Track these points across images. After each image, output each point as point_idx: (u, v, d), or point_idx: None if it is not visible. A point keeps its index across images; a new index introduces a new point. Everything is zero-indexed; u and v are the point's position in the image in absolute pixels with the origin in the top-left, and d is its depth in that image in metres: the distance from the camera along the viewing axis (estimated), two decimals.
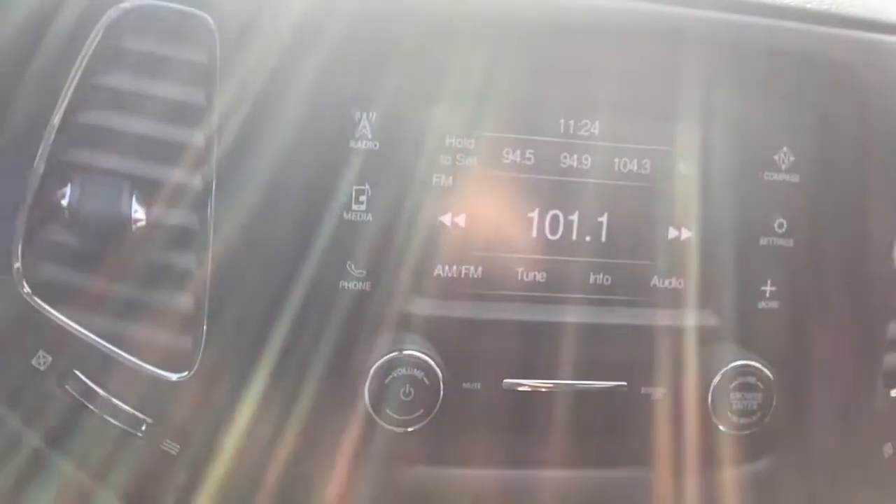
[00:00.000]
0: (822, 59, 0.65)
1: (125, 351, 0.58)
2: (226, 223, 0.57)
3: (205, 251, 0.57)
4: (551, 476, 0.65)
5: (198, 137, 0.58)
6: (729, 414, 0.63)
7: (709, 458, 0.67)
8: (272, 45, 0.57)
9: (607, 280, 0.65)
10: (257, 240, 0.58)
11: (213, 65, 0.57)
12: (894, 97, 0.66)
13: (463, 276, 0.63)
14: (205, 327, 0.58)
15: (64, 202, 0.57)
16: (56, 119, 0.57)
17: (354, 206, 0.60)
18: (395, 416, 0.58)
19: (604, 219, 0.64)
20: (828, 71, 0.65)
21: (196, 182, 0.58)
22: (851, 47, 0.66)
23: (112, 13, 0.57)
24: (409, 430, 0.59)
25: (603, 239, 0.65)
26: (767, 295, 0.67)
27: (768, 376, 0.63)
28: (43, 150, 0.57)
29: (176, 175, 0.58)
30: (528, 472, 0.65)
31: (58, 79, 0.57)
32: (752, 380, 0.63)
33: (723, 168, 0.65)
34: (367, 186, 0.60)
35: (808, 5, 0.66)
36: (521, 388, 0.63)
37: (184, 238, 0.58)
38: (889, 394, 0.69)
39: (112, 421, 0.58)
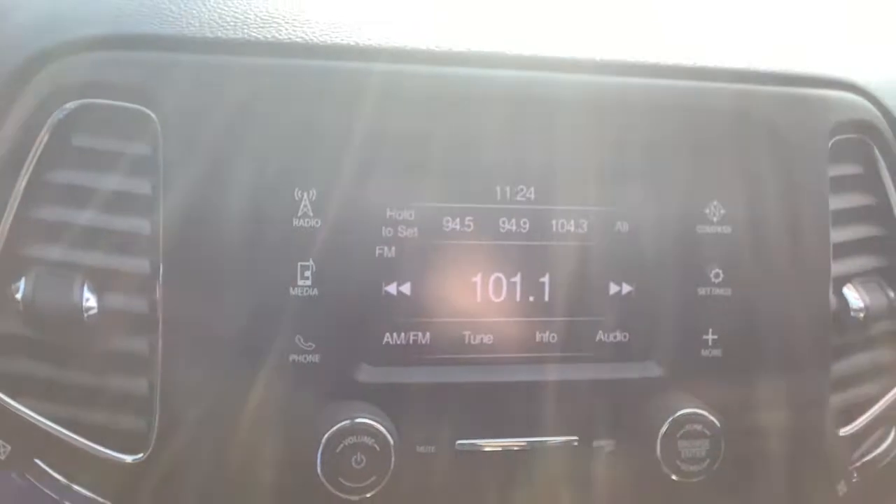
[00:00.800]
0: (746, 115, 0.69)
1: (82, 436, 0.60)
2: (175, 307, 0.59)
3: (155, 335, 0.59)
4: None
5: (144, 226, 0.60)
6: (678, 462, 0.65)
7: None
8: (212, 135, 0.60)
9: (553, 338, 0.67)
10: (207, 321, 0.60)
11: (156, 156, 0.60)
12: (815, 145, 0.69)
13: (411, 342, 0.65)
14: (158, 409, 0.59)
15: (18, 296, 0.59)
16: (9, 216, 0.60)
17: (300, 282, 0.62)
18: (349, 483, 0.60)
19: (546, 279, 0.67)
20: (752, 126, 0.68)
21: (144, 269, 0.60)
22: (773, 102, 0.69)
23: (58, 114, 0.60)
24: (366, 496, 0.60)
25: (546, 298, 0.67)
26: (710, 343, 0.69)
27: (714, 423, 0.65)
28: None
29: (125, 263, 0.60)
30: None
31: (9, 177, 0.60)
32: (698, 427, 0.65)
33: (657, 223, 0.68)
34: (311, 262, 0.62)
35: (727, 65, 0.69)
36: (474, 449, 0.65)
37: (135, 323, 0.60)
38: (838, 433, 0.71)
39: None
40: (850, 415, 0.72)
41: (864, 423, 0.72)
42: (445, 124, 0.64)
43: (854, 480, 0.72)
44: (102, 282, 0.60)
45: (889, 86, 0.75)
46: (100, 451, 0.60)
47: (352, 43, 0.63)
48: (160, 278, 0.59)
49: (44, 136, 0.59)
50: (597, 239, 0.67)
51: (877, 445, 0.73)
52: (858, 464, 0.72)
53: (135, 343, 0.60)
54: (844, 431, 0.71)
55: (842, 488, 0.71)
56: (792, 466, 0.70)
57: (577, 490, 0.67)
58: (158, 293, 0.59)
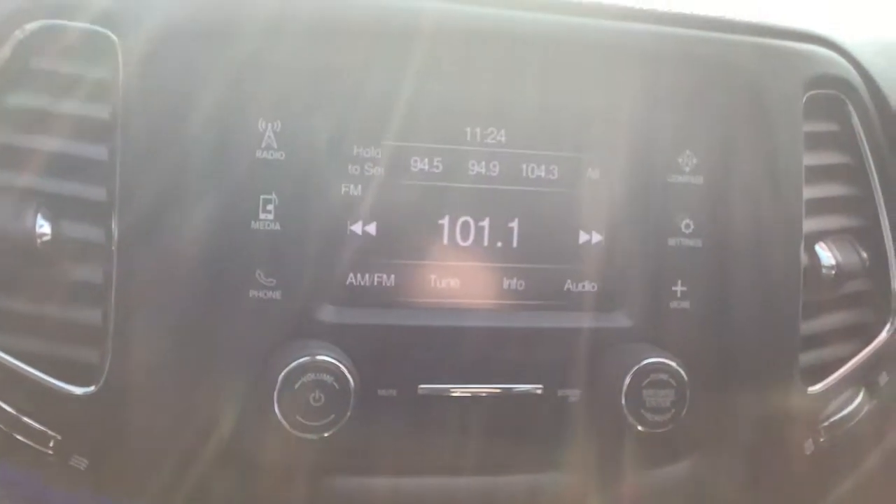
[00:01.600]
0: (722, 64, 0.68)
1: (33, 367, 0.58)
2: (130, 235, 0.58)
3: (109, 264, 0.58)
4: (469, 482, 0.65)
5: (101, 152, 0.58)
6: (643, 412, 0.64)
7: (628, 460, 0.67)
8: (174, 60, 0.58)
9: (521, 285, 0.66)
10: (162, 251, 0.58)
11: (115, 81, 0.58)
12: (790, 98, 0.68)
13: (375, 283, 0.64)
14: (111, 341, 0.58)
15: None
16: None
17: (262, 216, 0.61)
18: (306, 422, 0.58)
19: (514, 224, 0.66)
20: (726, 75, 0.68)
21: (100, 196, 0.58)
22: (748, 52, 0.68)
23: (18, 34, 0.58)
24: (323, 436, 0.59)
25: (514, 244, 0.66)
26: (678, 295, 0.68)
27: (680, 373, 0.64)
28: None
29: (80, 190, 0.58)
30: (447, 479, 0.65)
31: None
32: (663, 377, 0.64)
33: (629, 172, 0.67)
34: (274, 196, 0.61)
35: (709, 14, 0.68)
36: (436, 394, 0.64)
37: (89, 252, 0.59)
38: (806, 391, 0.70)
39: (20, 438, 0.58)
40: (819, 374, 0.71)
41: (833, 382, 0.71)
42: (417, 61, 0.63)
43: (821, 440, 0.71)
44: (57, 209, 0.58)
45: (866, 43, 0.74)
46: (50, 382, 0.58)
47: None
48: (116, 206, 0.58)
49: (3, 57, 0.58)
50: (567, 185, 0.66)
51: (844, 406, 0.72)
52: (826, 423, 0.71)
53: (89, 272, 0.59)
54: (813, 390, 0.70)
55: (808, 447, 0.70)
56: (759, 422, 0.69)
57: (540, 439, 0.66)
58: (114, 222, 0.58)
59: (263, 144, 0.61)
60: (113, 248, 0.58)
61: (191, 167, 0.59)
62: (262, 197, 0.61)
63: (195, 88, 0.58)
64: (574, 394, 0.66)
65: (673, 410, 0.64)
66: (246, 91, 0.60)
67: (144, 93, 0.58)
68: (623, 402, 0.64)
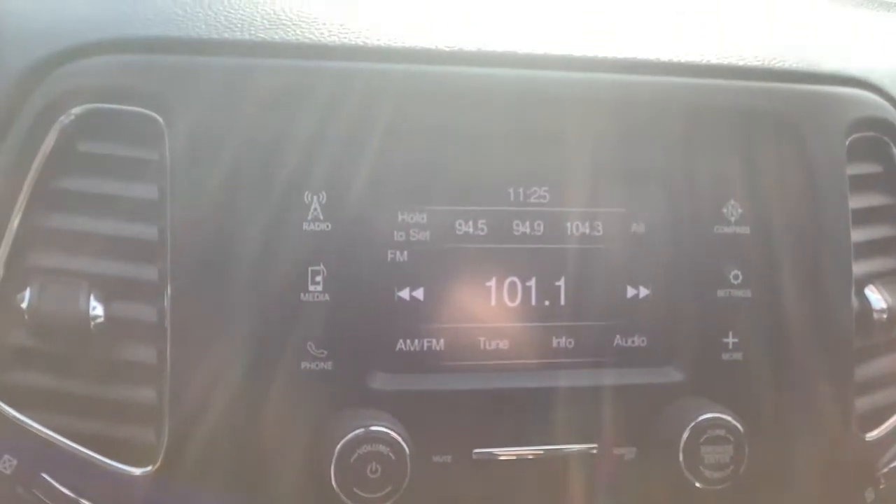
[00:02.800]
0: (762, 113, 0.68)
1: (90, 449, 0.58)
2: (183, 314, 0.58)
3: (163, 344, 0.58)
4: None
5: (151, 232, 0.59)
6: (701, 469, 0.63)
7: None
8: (220, 139, 0.59)
9: (570, 343, 0.65)
10: (216, 328, 0.58)
11: (164, 162, 0.59)
12: (833, 143, 0.68)
13: (425, 348, 0.63)
14: (167, 420, 0.58)
15: (24, 305, 0.58)
16: (14, 223, 0.58)
17: (311, 287, 0.61)
18: (364, 494, 0.58)
19: (561, 282, 0.65)
20: (768, 124, 0.67)
21: (152, 276, 0.59)
22: (789, 100, 0.68)
23: (64, 119, 0.59)
24: None
25: (562, 302, 0.65)
26: (730, 346, 0.67)
27: (737, 428, 0.63)
28: (1, 255, 0.58)
29: (132, 271, 0.59)
30: None
31: (14, 184, 0.59)
32: (721, 432, 0.63)
33: (674, 224, 0.67)
34: (322, 267, 0.61)
35: (739, 62, 0.68)
36: (491, 458, 0.63)
37: (143, 331, 0.59)
38: (864, 438, 0.69)
39: None
40: (875, 419, 0.70)
41: (891, 427, 0.70)
42: (457, 125, 0.63)
43: (881, 487, 0.69)
44: (109, 290, 0.59)
45: None
46: (108, 463, 0.58)
47: (363, 43, 0.62)
48: (168, 285, 0.58)
49: (50, 142, 0.58)
50: (612, 241, 0.66)
51: None
52: (885, 469, 0.70)
53: (143, 352, 0.59)
54: (870, 436, 0.69)
55: (869, 495, 0.69)
56: (817, 473, 0.68)
57: (597, 500, 0.65)
58: (166, 301, 0.58)
59: (310, 216, 0.61)
60: (166, 326, 0.58)
61: (239, 243, 0.59)
62: (310, 268, 0.61)
63: (240, 165, 0.59)
64: (630, 452, 0.65)
65: (732, 466, 0.63)
66: (290, 164, 0.60)
67: (191, 171, 0.59)
68: (681, 459, 0.63)
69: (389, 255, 0.63)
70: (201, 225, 0.58)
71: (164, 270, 0.58)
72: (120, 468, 0.58)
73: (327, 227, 0.61)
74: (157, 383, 0.58)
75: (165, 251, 0.58)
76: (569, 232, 0.65)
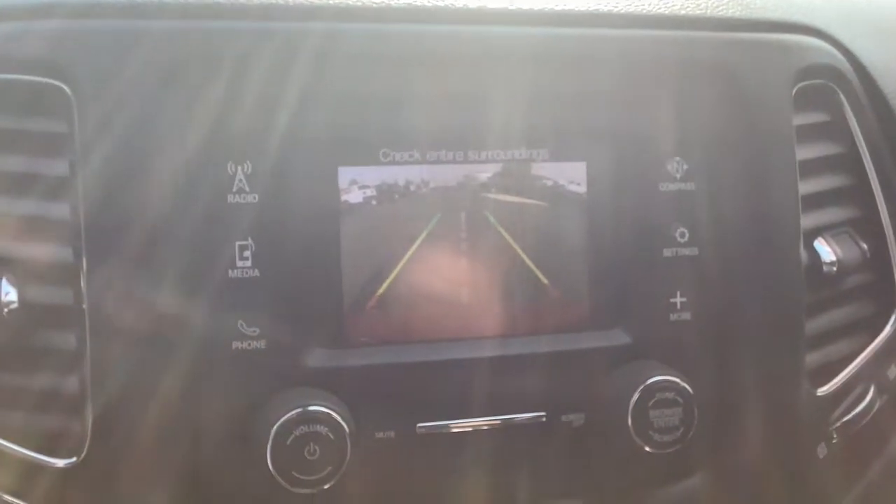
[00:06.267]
0: (704, 64, 0.65)
1: (9, 441, 0.55)
2: (101, 296, 0.55)
3: (82, 328, 0.55)
4: None
5: (63, 210, 0.55)
6: (651, 433, 0.61)
7: (637, 480, 0.65)
8: (132, 108, 0.55)
9: (514, 310, 0.63)
10: (137, 309, 0.55)
11: (73, 134, 0.55)
12: (779, 92, 0.66)
13: (363, 322, 0.61)
14: (89, 409, 0.55)
15: None
16: None
17: (239, 263, 0.58)
18: (302, 476, 0.56)
19: (505, 248, 0.63)
20: (711, 75, 0.65)
21: (66, 257, 0.55)
22: (731, 49, 0.66)
23: None
24: (322, 488, 0.56)
25: (504, 268, 0.63)
26: (678, 307, 0.65)
27: (687, 390, 0.62)
28: None
29: (45, 252, 0.55)
30: None
31: None
32: (670, 395, 0.62)
33: (618, 183, 0.64)
34: (250, 241, 0.58)
35: (685, 11, 0.66)
36: (436, 432, 0.61)
37: (60, 316, 0.56)
38: (815, 393, 0.68)
39: None
40: (826, 374, 0.69)
41: (842, 381, 0.69)
42: (385, 85, 0.60)
43: (834, 442, 0.69)
44: (22, 273, 0.55)
45: (852, 28, 0.72)
46: (29, 455, 0.55)
47: (280, 1, 0.58)
48: (84, 266, 0.55)
49: None
50: (556, 203, 0.63)
51: (856, 405, 0.70)
52: (837, 424, 0.69)
53: (61, 338, 0.56)
54: (822, 391, 0.68)
55: (822, 450, 0.68)
56: (769, 430, 0.67)
57: (547, 468, 0.64)
58: (83, 283, 0.55)
59: (235, 188, 0.58)
60: (84, 310, 0.55)
61: (159, 219, 0.55)
62: (237, 243, 0.58)
63: (156, 136, 0.55)
64: (578, 418, 0.63)
65: (682, 429, 0.62)
66: (211, 134, 0.57)
67: (103, 144, 0.55)
68: (630, 423, 0.61)
69: (324, 226, 0.60)
70: (116, 200, 0.55)
71: (78, 250, 0.55)
72: (42, 460, 0.55)
73: (254, 198, 0.58)
74: (78, 370, 0.55)
75: (79, 230, 0.55)
76: (512, 195, 0.63)
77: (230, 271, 0.58)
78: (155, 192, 0.55)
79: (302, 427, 0.56)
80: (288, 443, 0.55)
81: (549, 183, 0.63)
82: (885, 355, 0.71)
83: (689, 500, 0.66)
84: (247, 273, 0.58)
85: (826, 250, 0.69)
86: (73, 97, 0.55)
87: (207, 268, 0.57)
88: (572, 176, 0.63)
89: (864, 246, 0.71)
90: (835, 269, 0.69)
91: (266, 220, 0.58)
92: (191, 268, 0.56)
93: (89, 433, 0.55)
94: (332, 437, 0.56)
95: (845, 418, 0.69)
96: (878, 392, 0.71)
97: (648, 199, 0.65)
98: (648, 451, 0.62)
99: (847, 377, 0.69)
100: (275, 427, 0.55)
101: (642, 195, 0.64)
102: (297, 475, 0.56)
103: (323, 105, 0.59)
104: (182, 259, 0.56)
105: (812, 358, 0.68)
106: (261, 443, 0.56)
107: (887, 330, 0.71)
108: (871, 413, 0.70)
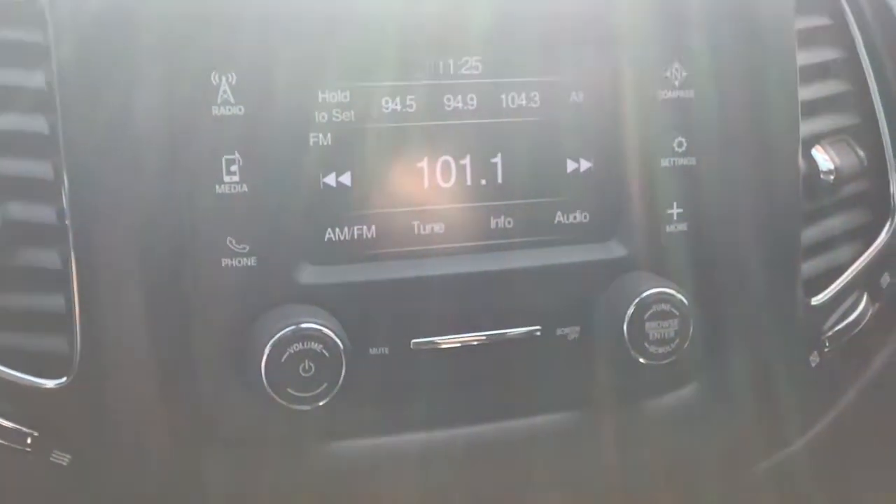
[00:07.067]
0: None
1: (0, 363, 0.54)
2: (84, 212, 0.53)
3: (67, 245, 0.53)
4: (475, 431, 0.63)
5: (42, 125, 0.53)
6: (646, 345, 0.61)
7: (633, 392, 0.65)
8: (111, 15, 0.52)
9: (509, 223, 0.62)
10: (122, 226, 0.53)
11: (48, 46, 0.52)
12: None
13: (356, 237, 0.59)
14: (78, 327, 0.54)
15: None
16: None
17: (226, 178, 0.56)
18: (298, 394, 0.55)
19: (497, 159, 0.61)
20: None
21: (47, 172, 0.53)
22: None
23: None
24: (318, 405, 0.56)
25: (499, 180, 0.61)
26: (675, 218, 0.64)
27: (683, 302, 0.61)
28: None
29: (25, 168, 0.53)
30: (450, 431, 0.63)
31: None
32: (666, 307, 0.61)
33: (614, 92, 0.63)
34: (237, 155, 0.56)
35: None
36: (431, 347, 0.61)
37: (44, 234, 0.54)
38: (809, 302, 0.68)
39: None
40: (820, 283, 0.69)
41: (836, 290, 0.69)
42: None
43: (826, 351, 0.69)
44: (4, 191, 0.53)
45: None
46: (18, 377, 0.54)
47: None
48: (65, 181, 0.53)
49: None
50: (550, 112, 0.62)
51: (848, 314, 0.70)
52: (830, 333, 0.69)
53: (46, 256, 0.54)
54: (816, 300, 0.68)
55: (814, 359, 0.69)
56: (763, 340, 0.67)
57: (542, 381, 0.63)
58: (64, 198, 0.53)
59: (219, 100, 0.55)
60: (67, 226, 0.53)
61: (142, 133, 0.53)
62: (224, 157, 0.56)
63: (137, 46, 0.53)
64: (574, 331, 0.63)
65: (677, 340, 0.61)
66: (194, 44, 0.54)
67: (81, 56, 0.52)
68: (625, 336, 0.61)
69: (312, 139, 0.58)
70: (95, 114, 0.53)
71: (58, 165, 0.53)
72: (31, 381, 0.54)
73: (240, 110, 0.56)
74: (64, 289, 0.54)
75: (58, 145, 0.53)
76: (504, 105, 0.61)
77: (217, 186, 0.56)
78: (135, 105, 0.53)
79: (296, 344, 0.55)
80: (283, 360, 0.55)
81: (550, 93, 0.61)
82: (879, 264, 0.71)
83: (683, 410, 0.67)
84: (234, 188, 0.56)
85: (824, 158, 0.68)
86: (47, 5, 0.52)
87: (194, 183, 0.55)
88: (570, 86, 0.61)
89: (862, 153, 0.69)
90: (832, 177, 0.68)
91: (253, 132, 0.56)
92: (176, 183, 0.54)
93: (78, 353, 0.54)
94: (326, 354, 0.55)
95: (838, 327, 0.69)
96: (871, 300, 0.71)
97: (647, 107, 0.63)
98: (643, 363, 0.61)
99: (841, 286, 0.69)
100: (268, 345, 0.54)
101: (641, 104, 0.62)
102: (293, 392, 0.55)
103: (313, 16, 0.56)
104: (166, 173, 0.54)
105: (807, 267, 0.68)
106: (255, 361, 0.55)
107: (882, 238, 0.71)
108: (864, 322, 0.70)
